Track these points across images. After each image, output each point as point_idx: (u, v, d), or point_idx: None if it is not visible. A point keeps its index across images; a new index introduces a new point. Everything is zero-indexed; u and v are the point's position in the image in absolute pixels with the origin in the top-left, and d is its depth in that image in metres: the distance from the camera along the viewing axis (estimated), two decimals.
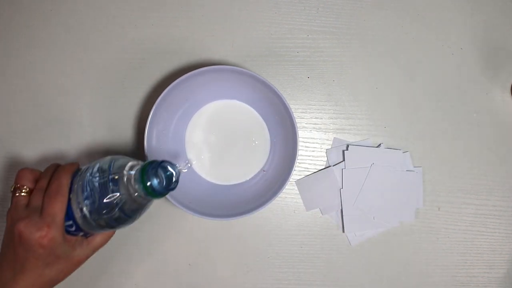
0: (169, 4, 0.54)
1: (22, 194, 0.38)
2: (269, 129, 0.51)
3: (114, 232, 0.43)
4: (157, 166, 0.35)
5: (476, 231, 0.54)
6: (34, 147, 0.52)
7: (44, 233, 0.35)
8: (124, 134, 0.52)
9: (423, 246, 0.53)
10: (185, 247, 0.51)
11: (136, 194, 0.36)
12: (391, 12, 0.56)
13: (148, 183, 0.35)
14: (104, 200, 0.35)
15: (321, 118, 0.54)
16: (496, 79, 0.56)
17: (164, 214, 0.51)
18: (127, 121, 0.52)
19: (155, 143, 0.47)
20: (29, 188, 0.39)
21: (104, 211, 0.36)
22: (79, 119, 0.52)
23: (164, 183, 0.36)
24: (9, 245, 0.36)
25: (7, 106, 0.52)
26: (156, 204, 0.51)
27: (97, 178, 0.36)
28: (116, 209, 0.36)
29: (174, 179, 0.37)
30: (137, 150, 0.52)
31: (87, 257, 0.40)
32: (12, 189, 0.39)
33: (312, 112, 0.54)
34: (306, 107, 0.54)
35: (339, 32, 0.55)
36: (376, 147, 0.54)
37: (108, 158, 0.38)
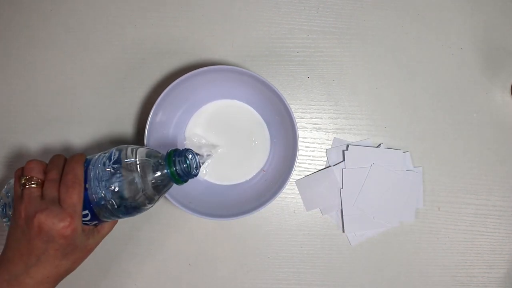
0: (169, 4, 0.54)
1: (33, 185, 0.37)
2: (269, 129, 0.51)
3: (116, 222, 0.44)
4: (183, 154, 0.39)
5: (476, 231, 0.54)
6: (34, 147, 0.52)
7: (68, 224, 0.35)
8: (124, 134, 0.52)
9: (423, 246, 0.53)
10: (185, 247, 0.51)
11: (159, 180, 0.38)
12: (391, 12, 0.56)
13: (174, 168, 0.38)
14: (127, 187, 0.36)
15: (321, 118, 0.54)
16: (496, 79, 0.56)
17: (164, 214, 0.51)
18: (127, 121, 0.52)
19: (155, 143, 0.47)
20: (40, 180, 0.38)
21: (127, 198, 0.37)
22: (79, 119, 0.52)
23: (188, 170, 0.39)
24: (22, 238, 0.36)
25: (7, 106, 0.52)
26: (156, 204, 0.51)
27: (118, 165, 0.37)
28: (139, 195, 0.37)
29: (195, 166, 0.40)
30: None
31: (97, 244, 0.41)
32: (22, 181, 0.37)
33: (312, 112, 0.54)
34: (306, 107, 0.54)
35: (339, 32, 0.55)
36: (376, 147, 0.54)
37: (122, 146, 0.39)
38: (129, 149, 0.38)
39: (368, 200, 0.52)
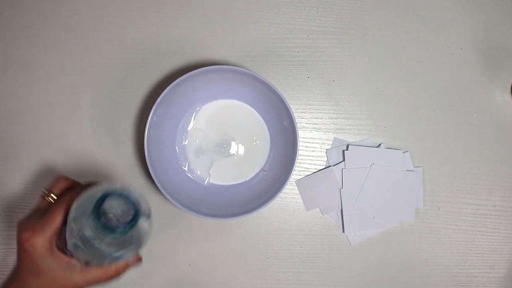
0: (169, 4, 0.54)
1: (49, 199, 0.38)
2: (269, 129, 0.51)
3: (113, 273, 0.38)
4: (104, 199, 0.30)
5: (476, 231, 0.54)
6: (34, 148, 0.52)
7: (27, 236, 0.33)
8: (124, 134, 0.52)
9: (423, 246, 0.53)
10: (185, 247, 0.51)
11: (91, 232, 0.31)
12: (391, 12, 0.56)
13: (100, 219, 0.30)
14: (76, 232, 0.32)
15: (321, 118, 0.54)
16: (496, 79, 0.56)
17: (164, 214, 0.51)
18: (127, 121, 0.52)
19: (155, 143, 0.47)
20: (55, 196, 0.38)
21: (78, 241, 0.32)
22: (79, 119, 0.52)
23: (124, 217, 0.31)
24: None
25: (7, 106, 0.52)
26: (156, 204, 0.51)
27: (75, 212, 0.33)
28: (87, 242, 0.32)
29: (134, 211, 0.31)
30: (137, 150, 0.52)
31: (82, 285, 0.36)
32: (42, 192, 0.38)
33: (312, 112, 0.54)
34: (306, 107, 0.54)
35: (339, 32, 0.55)
36: (376, 147, 0.54)
37: (86, 193, 0.34)
38: (82, 197, 0.33)
39: (368, 200, 0.52)
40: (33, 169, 0.51)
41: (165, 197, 0.44)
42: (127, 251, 0.33)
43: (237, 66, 0.51)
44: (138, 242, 0.34)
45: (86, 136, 0.52)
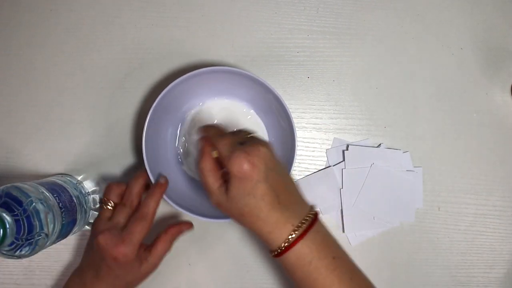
0: (169, 4, 0.54)
1: (108, 207, 0.43)
2: (267, 129, 0.51)
3: (171, 238, 0.43)
4: None
5: (476, 231, 0.54)
6: (34, 147, 0.52)
7: (121, 249, 0.38)
8: (124, 134, 0.52)
9: (423, 246, 0.53)
10: (185, 247, 0.51)
11: None
12: (391, 12, 0.56)
13: None
14: None
15: (321, 118, 0.54)
16: (496, 79, 0.56)
17: (164, 214, 0.51)
18: (127, 121, 0.52)
19: (154, 144, 0.47)
20: (114, 203, 0.43)
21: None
22: (79, 119, 0.52)
23: None
24: (90, 251, 0.41)
25: (7, 106, 0.52)
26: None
27: None
28: None
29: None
30: (136, 150, 0.52)
31: (153, 266, 0.42)
32: (102, 202, 0.44)
33: (312, 112, 0.54)
34: (306, 107, 0.54)
35: (339, 32, 0.55)
36: (376, 147, 0.54)
37: None
38: None
39: (368, 200, 0.52)
40: (33, 169, 0.51)
41: (164, 199, 0.44)
42: None
43: (237, 66, 0.52)
44: None
45: (86, 136, 0.52)
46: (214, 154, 0.39)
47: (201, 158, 0.39)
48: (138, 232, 0.39)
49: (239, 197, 0.36)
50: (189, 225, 0.45)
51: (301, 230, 0.35)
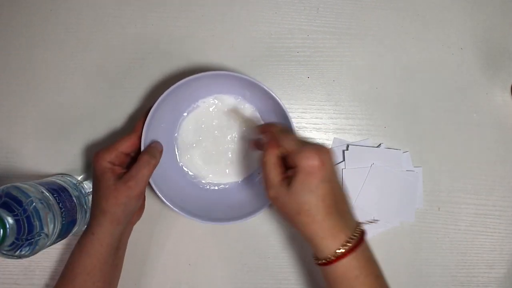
0: (169, 4, 0.54)
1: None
2: None
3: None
4: None
5: (476, 231, 0.54)
6: (34, 147, 0.52)
7: (97, 151, 0.41)
8: (124, 134, 0.52)
9: (423, 246, 0.53)
10: (185, 247, 0.51)
11: None
12: (391, 12, 0.56)
13: None
14: None
15: (321, 118, 0.54)
16: (496, 79, 0.56)
17: (164, 214, 0.51)
18: (127, 121, 0.52)
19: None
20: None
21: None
22: (79, 119, 0.52)
23: None
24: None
25: (7, 106, 0.52)
26: (157, 204, 0.51)
27: None
28: None
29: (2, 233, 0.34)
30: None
31: (139, 188, 0.41)
32: None
33: (312, 112, 0.54)
34: (306, 107, 0.54)
35: (339, 32, 0.55)
36: (376, 147, 0.54)
37: None
38: None
39: (368, 200, 0.52)
40: (33, 169, 0.51)
41: (163, 201, 0.44)
42: None
43: (237, 66, 0.52)
44: None
45: (86, 136, 0.52)
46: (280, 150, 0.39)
47: (266, 152, 0.39)
48: (126, 146, 0.42)
49: (301, 192, 0.35)
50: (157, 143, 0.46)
51: (353, 242, 0.35)
